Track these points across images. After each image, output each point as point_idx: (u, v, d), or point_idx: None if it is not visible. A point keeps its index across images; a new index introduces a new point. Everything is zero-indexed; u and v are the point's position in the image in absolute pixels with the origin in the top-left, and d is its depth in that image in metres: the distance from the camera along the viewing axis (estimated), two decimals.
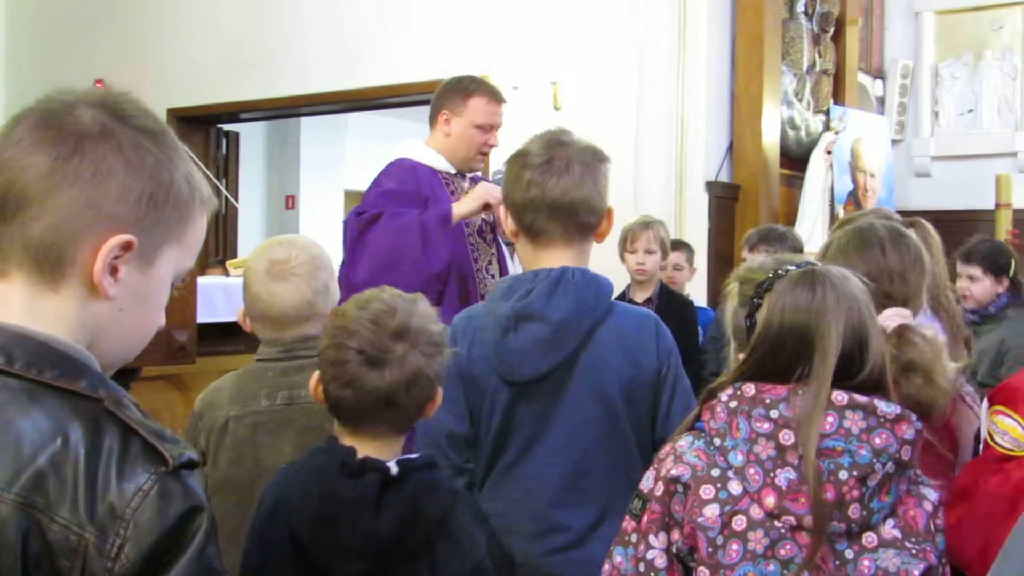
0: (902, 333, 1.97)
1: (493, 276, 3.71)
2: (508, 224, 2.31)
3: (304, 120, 10.40)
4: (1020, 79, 8.17)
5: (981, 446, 1.93)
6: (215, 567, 1.17)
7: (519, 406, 2.21)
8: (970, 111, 8.40)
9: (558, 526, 2.21)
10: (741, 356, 1.72)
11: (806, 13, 7.20)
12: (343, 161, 11.48)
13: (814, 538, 1.57)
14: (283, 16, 7.52)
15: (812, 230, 6.63)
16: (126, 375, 3.73)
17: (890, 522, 1.62)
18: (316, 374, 1.87)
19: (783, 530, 1.59)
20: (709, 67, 6.38)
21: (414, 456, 1.87)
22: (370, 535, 1.75)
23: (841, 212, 7.10)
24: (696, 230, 6.17)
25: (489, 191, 3.51)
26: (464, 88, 3.70)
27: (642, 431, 2.24)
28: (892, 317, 1.98)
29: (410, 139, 3.86)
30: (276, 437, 2.27)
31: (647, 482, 1.71)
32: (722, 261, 6.41)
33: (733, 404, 1.66)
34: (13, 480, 1.10)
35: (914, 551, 1.61)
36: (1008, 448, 1.81)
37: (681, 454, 1.68)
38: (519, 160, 2.27)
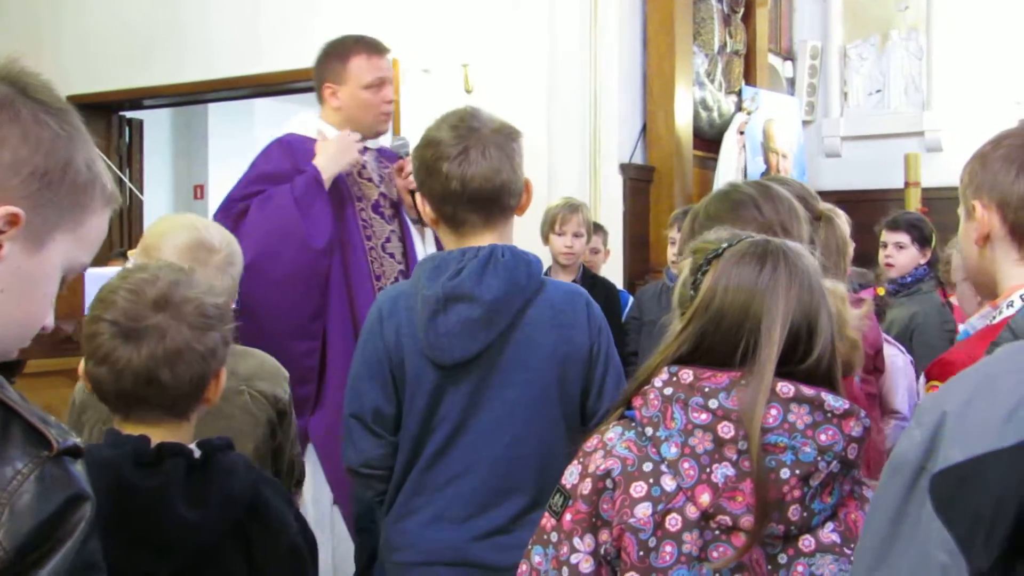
0: None
1: (392, 255, 3.53)
2: (426, 212, 2.24)
3: (211, 107, 10.13)
4: (926, 59, 8.28)
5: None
6: (96, 562, 1.09)
7: (446, 390, 2.16)
8: (878, 91, 8.50)
9: (487, 511, 2.17)
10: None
11: None
12: (253, 149, 11.17)
13: (748, 538, 1.46)
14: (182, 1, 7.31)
15: None
16: (7, 369, 3.55)
17: (830, 525, 1.52)
18: (83, 361, 1.73)
19: (717, 531, 1.48)
20: (621, 48, 6.33)
21: (211, 438, 1.74)
22: (181, 527, 1.61)
23: None
24: (611, 212, 6.13)
25: (348, 144, 3.34)
26: (339, 53, 3.47)
27: (573, 409, 2.21)
28: None
29: (303, 115, 3.66)
30: (199, 431, 2.14)
31: (571, 477, 1.58)
32: (637, 243, 6.39)
33: (668, 391, 1.54)
34: None
35: (852, 558, 1.47)
36: None
37: (611, 447, 1.55)
38: (432, 149, 2.19)
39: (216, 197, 11.18)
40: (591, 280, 4.69)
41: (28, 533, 1.03)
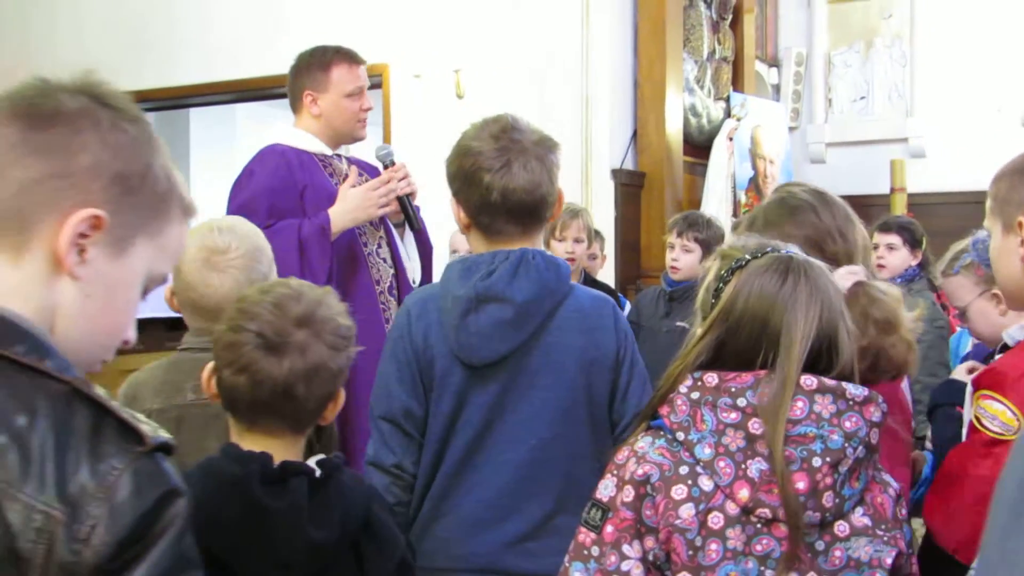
0: (861, 291, 1.94)
1: (384, 260, 3.58)
2: (460, 218, 2.24)
3: (193, 112, 10.08)
4: (909, 66, 8.35)
5: (965, 431, 1.92)
6: (192, 557, 1.09)
7: (473, 392, 2.17)
8: (862, 98, 8.57)
9: (514, 515, 2.17)
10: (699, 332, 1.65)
11: (705, 1, 7.24)
12: (234, 154, 11.17)
13: (792, 531, 1.50)
14: (174, 2, 7.27)
15: (717, 216, 6.66)
16: None
17: (860, 510, 1.57)
18: (210, 364, 1.75)
19: (758, 524, 1.52)
20: (612, 55, 6.37)
21: (330, 456, 1.77)
22: (308, 545, 1.64)
23: (743, 198, 7.17)
24: (603, 218, 6.15)
25: (372, 200, 3.38)
26: (321, 62, 3.51)
27: (599, 414, 2.22)
28: (845, 276, 1.95)
29: (279, 125, 3.71)
30: (202, 433, 2.11)
31: (606, 490, 1.61)
32: (629, 248, 6.42)
33: (695, 395, 1.58)
34: None
35: (885, 538, 1.57)
36: (998, 432, 1.80)
37: (643, 455, 1.58)
38: (472, 159, 2.18)
39: (198, 201, 11.19)
40: (592, 285, 4.69)
41: (128, 528, 1.03)
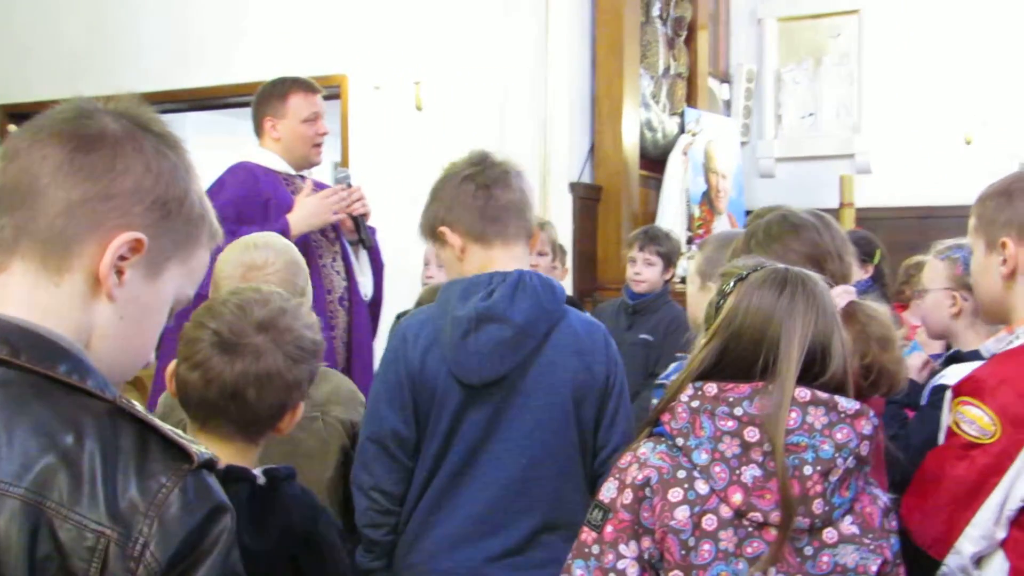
0: (857, 309, 2.03)
1: (338, 273, 3.84)
2: (456, 242, 2.28)
3: None
4: (857, 84, 8.53)
5: (943, 435, 2.02)
6: (239, 571, 1.13)
7: (469, 410, 2.21)
8: (811, 114, 8.72)
9: (501, 531, 2.21)
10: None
11: (661, 17, 7.34)
12: None
13: (780, 533, 1.59)
14: (120, 11, 7.20)
15: (672, 230, 6.75)
16: None
17: (848, 518, 1.65)
18: (173, 362, 1.76)
19: (750, 528, 1.61)
20: (571, 69, 6.44)
21: (277, 466, 1.78)
22: (244, 552, 1.65)
23: (696, 212, 7.27)
24: (561, 231, 6.19)
25: (327, 207, 3.70)
26: (279, 91, 3.86)
27: (586, 437, 2.26)
28: (840, 295, 2.04)
29: (248, 146, 3.99)
30: None
31: (608, 492, 1.70)
32: (586, 261, 6.48)
33: (695, 403, 1.67)
34: (20, 475, 1.03)
35: (871, 547, 1.66)
36: (975, 436, 1.90)
37: (645, 460, 1.67)
38: (454, 179, 2.32)
39: None
40: None
41: (178, 544, 1.05)
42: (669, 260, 4.87)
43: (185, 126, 10.57)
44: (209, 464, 1.13)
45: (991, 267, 2.01)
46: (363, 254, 4.00)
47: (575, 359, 2.25)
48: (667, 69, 7.40)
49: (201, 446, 1.14)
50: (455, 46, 6.23)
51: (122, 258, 1.16)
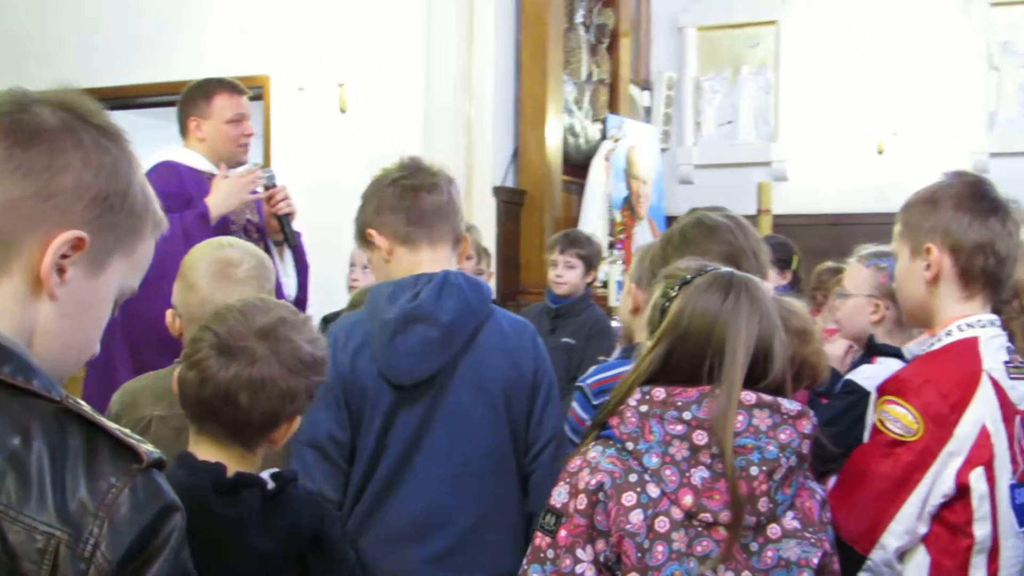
0: (776, 305, 2.08)
1: None
2: (383, 245, 2.30)
3: None
4: (774, 93, 8.72)
5: (867, 433, 2.08)
6: (189, 571, 1.12)
7: (401, 410, 2.22)
8: (729, 122, 8.89)
9: (439, 531, 2.22)
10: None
11: (584, 24, 7.43)
12: None
13: (730, 533, 1.64)
14: (40, 8, 7.06)
15: (594, 235, 6.84)
16: None
17: (790, 513, 1.72)
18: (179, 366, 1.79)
19: (700, 528, 1.65)
20: (496, 74, 6.47)
21: (283, 470, 1.81)
22: (254, 557, 1.69)
23: (618, 217, 7.37)
24: (484, 235, 6.23)
25: (242, 185, 3.72)
26: (204, 92, 3.86)
27: (518, 435, 2.28)
28: None
29: (171, 145, 3.95)
30: None
31: (559, 497, 1.73)
32: (510, 265, 6.52)
33: (644, 408, 1.70)
34: None
35: (812, 540, 1.72)
36: (899, 434, 1.95)
37: (596, 464, 1.70)
38: (383, 182, 2.34)
39: None
40: None
41: (129, 544, 1.05)
42: (590, 263, 4.93)
43: None
44: (159, 464, 1.12)
45: (915, 272, 2.07)
46: (288, 255, 3.97)
47: (503, 357, 2.28)
48: (590, 75, 7.50)
49: (149, 445, 1.13)
50: (379, 48, 6.21)
51: (63, 256, 1.13)
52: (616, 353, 2.80)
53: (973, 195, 2.06)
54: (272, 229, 3.90)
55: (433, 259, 2.30)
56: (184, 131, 3.88)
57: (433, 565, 2.21)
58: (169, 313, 2.32)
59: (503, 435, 2.27)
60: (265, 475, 1.77)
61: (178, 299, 2.29)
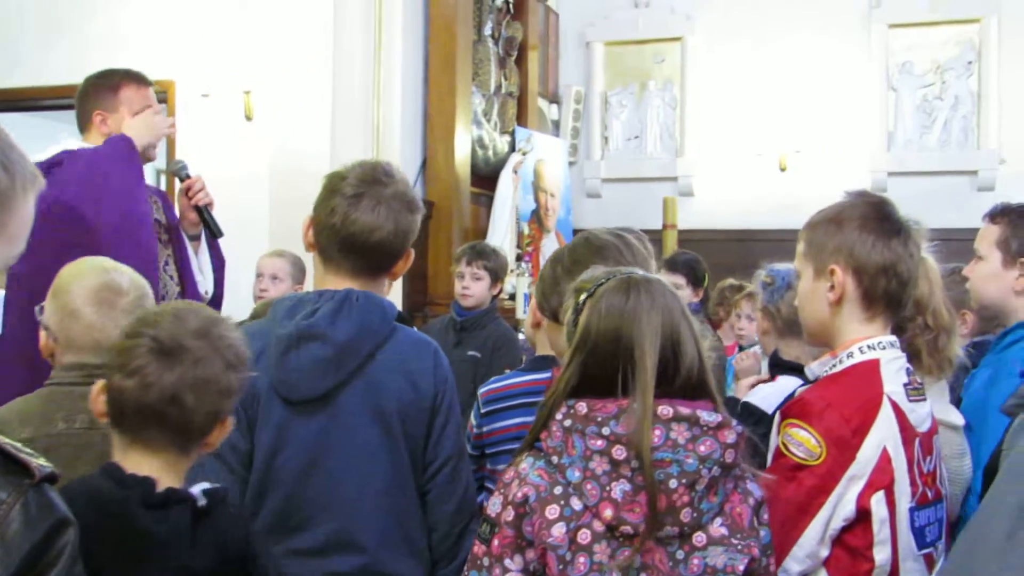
0: None
1: (172, 277, 3.65)
2: (307, 235, 2.27)
3: None
4: (679, 109, 8.84)
5: (770, 456, 2.08)
6: None
7: (293, 428, 2.19)
8: (636, 137, 8.99)
9: (338, 554, 2.19)
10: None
11: (493, 36, 7.44)
12: None
13: (639, 538, 1.67)
14: None
15: (502, 247, 6.84)
16: None
17: (718, 520, 1.74)
18: (100, 382, 1.74)
19: (620, 539, 1.68)
20: (403, 84, 6.45)
21: (216, 486, 1.77)
22: (184, 573, 1.65)
23: (526, 229, 7.39)
24: None
25: (154, 123, 3.51)
26: (109, 83, 3.60)
27: (416, 454, 2.27)
28: None
29: (68, 140, 3.61)
30: (72, 462, 2.06)
31: (494, 507, 1.76)
32: (416, 276, 6.48)
33: (568, 423, 1.74)
34: None
35: (739, 547, 1.74)
36: (802, 458, 1.96)
37: (525, 476, 1.74)
38: (334, 182, 2.26)
39: None
40: None
41: (20, 560, 1.02)
42: (497, 275, 4.93)
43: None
44: (51, 478, 1.09)
45: (819, 292, 2.08)
46: (203, 251, 3.80)
47: (402, 378, 2.25)
48: (498, 88, 7.51)
49: (42, 459, 1.10)
50: (287, 56, 6.13)
51: None
52: (524, 364, 2.80)
53: (877, 216, 2.08)
54: (190, 222, 3.70)
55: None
56: (85, 126, 3.59)
57: None
58: (43, 335, 2.25)
59: (403, 456, 2.24)
60: (196, 490, 1.74)
61: (54, 323, 2.21)
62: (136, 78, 3.65)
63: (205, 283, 3.79)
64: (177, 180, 3.72)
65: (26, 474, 1.07)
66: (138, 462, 1.71)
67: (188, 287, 3.68)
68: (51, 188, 3.17)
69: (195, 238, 3.76)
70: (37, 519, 1.05)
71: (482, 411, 2.56)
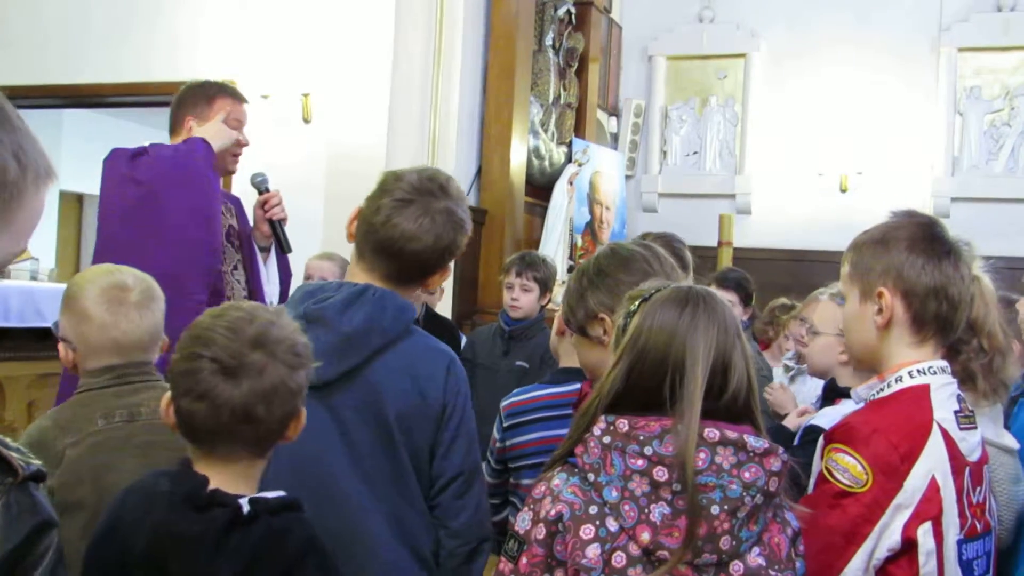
0: None
1: (239, 281, 3.72)
2: (351, 226, 2.25)
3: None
4: (740, 126, 8.75)
5: (813, 481, 2.00)
6: None
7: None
8: (695, 153, 8.91)
9: (342, 552, 2.13)
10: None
11: (553, 47, 7.41)
12: (59, 161, 10.73)
13: (672, 560, 1.59)
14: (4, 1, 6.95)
15: (554, 258, 6.80)
16: None
17: (756, 550, 1.67)
18: (167, 395, 1.72)
19: (656, 564, 1.61)
20: (462, 92, 6.44)
21: (270, 495, 1.72)
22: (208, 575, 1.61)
23: (579, 241, 7.34)
24: None
25: (222, 130, 3.53)
26: (207, 93, 3.66)
27: (421, 465, 2.19)
28: None
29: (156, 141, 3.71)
30: (117, 454, 2.13)
31: (523, 523, 1.70)
32: (467, 283, 6.47)
33: (607, 439, 1.67)
34: None
35: None
36: (847, 485, 1.87)
37: (558, 493, 1.67)
38: (389, 181, 2.22)
39: None
40: (433, 319, 4.70)
41: (1, 561, 1.00)
42: (545, 286, 4.87)
43: (63, 123, 10.34)
44: (37, 476, 1.06)
45: (866, 316, 2.00)
46: (272, 262, 3.88)
47: (407, 381, 2.17)
48: (557, 98, 7.47)
49: (31, 457, 1.07)
50: (346, 60, 6.16)
51: None
52: (546, 376, 2.72)
53: (926, 237, 1.99)
54: (263, 234, 3.77)
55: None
56: (176, 128, 3.67)
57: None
58: (61, 347, 2.28)
59: (399, 461, 2.17)
60: (245, 498, 1.69)
61: (71, 332, 2.24)
62: (232, 93, 3.72)
63: (272, 295, 3.85)
64: (256, 192, 3.80)
65: (10, 473, 1.03)
66: (210, 467, 1.70)
67: (257, 295, 3.77)
68: (134, 171, 3.31)
69: (265, 249, 3.83)
70: (20, 520, 1.02)
71: (504, 424, 2.50)
